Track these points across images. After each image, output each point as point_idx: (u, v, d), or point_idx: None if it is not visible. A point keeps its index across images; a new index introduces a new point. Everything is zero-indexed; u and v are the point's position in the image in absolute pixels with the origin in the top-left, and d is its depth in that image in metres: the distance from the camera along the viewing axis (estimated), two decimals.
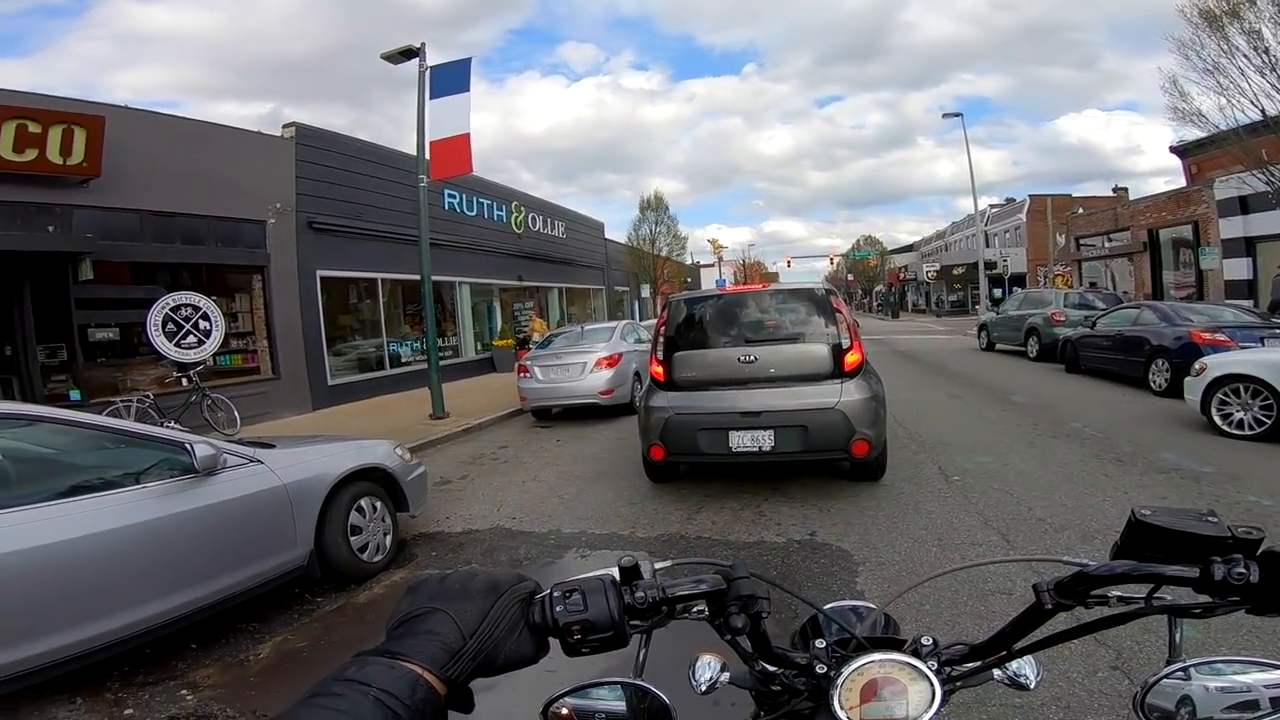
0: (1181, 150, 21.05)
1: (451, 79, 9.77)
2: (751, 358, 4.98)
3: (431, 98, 9.76)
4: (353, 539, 3.99)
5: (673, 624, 0.72)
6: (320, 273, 12.41)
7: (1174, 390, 8.85)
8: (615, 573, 0.69)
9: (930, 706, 0.71)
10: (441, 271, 13.74)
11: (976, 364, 14.03)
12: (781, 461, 5.01)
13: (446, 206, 16.25)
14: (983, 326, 17.56)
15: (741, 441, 4.83)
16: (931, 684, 0.72)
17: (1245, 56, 11.75)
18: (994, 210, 43.51)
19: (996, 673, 0.82)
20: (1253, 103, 11.89)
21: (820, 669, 0.76)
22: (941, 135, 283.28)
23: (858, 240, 70.38)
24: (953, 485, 5.21)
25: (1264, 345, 8.14)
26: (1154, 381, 9.35)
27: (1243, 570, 0.67)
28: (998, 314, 17.00)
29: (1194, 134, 14.22)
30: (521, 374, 9.85)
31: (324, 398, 12.16)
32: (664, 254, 31.40)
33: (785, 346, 5.10)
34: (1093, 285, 23.24)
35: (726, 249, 54.65)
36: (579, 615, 0.64)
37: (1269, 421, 6.14)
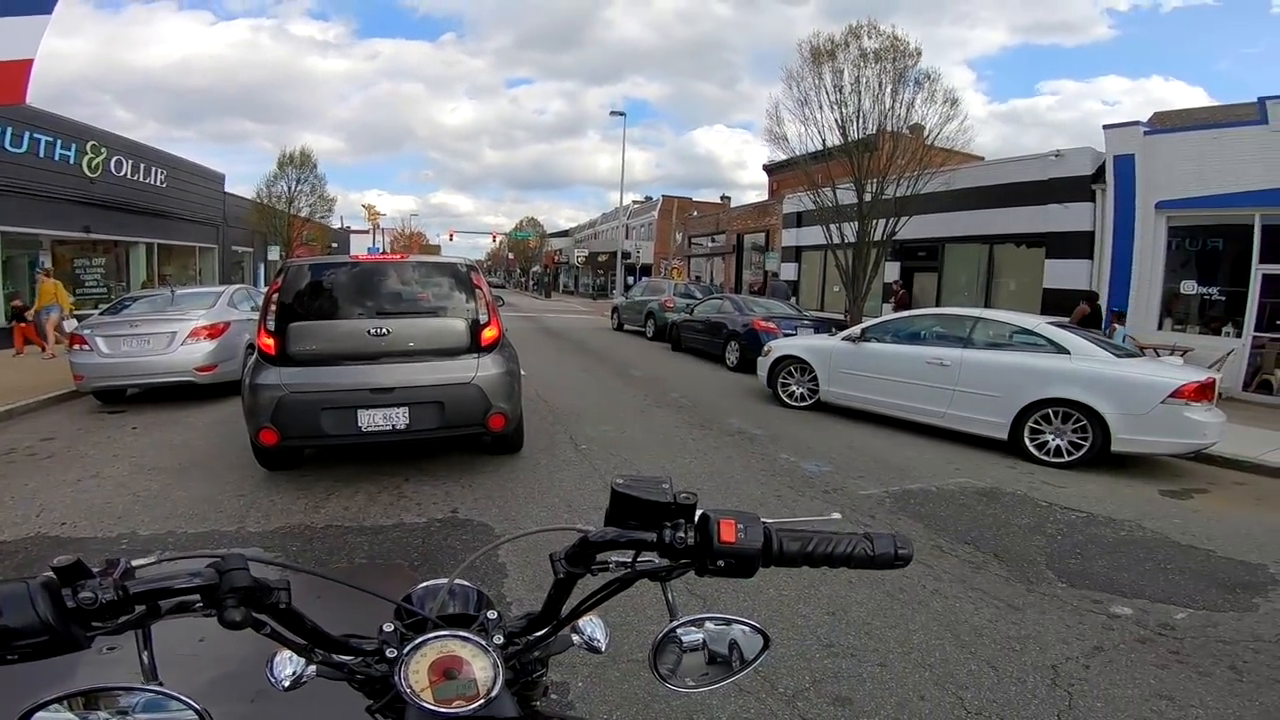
0: (770, 169, 26.55)
1: None
2: (384, 330, 4.71)
3: None
4: None
5: None
6: None
7: (742, 367, 11.29)
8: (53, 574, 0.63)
9: (495, 681, 0.73)
10: None
11: (608, 342, 15.76)
12: (420, 439, 4.88)
13: None
14: (615, 309, 19.84)
15: (373, 420, 4.54)
16: (492, 658, 0.73)
17: (827, 92, 14.26)
18: (636, 206, 48.44)
19: (575, 639, 0.87)
20: (819, 133, 14.63)
21: (391, 653, 0.75)
22: (607, 131, 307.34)
23: (521, 221, 72.29)
24: (581, 453, 5.75)
25: (797, 334, 10.80)
26: (729, 359, 11.78)
27: (683, 535, 0.76)
28: (627, 299, 19.33)
29: (780, 156, 16.56)
30: (76, 346, 7.54)
31: None
32: (304, 215, 27.62)
33: (422, 320, 4.93)
34: (698, 279, 27.95)
35: (384, 216, 50.80)
36: None
37: (815, 395, 8.13)
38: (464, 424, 4.76)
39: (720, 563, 0.75)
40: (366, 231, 46.55)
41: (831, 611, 3.12)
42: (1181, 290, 11.28)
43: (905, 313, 9.01)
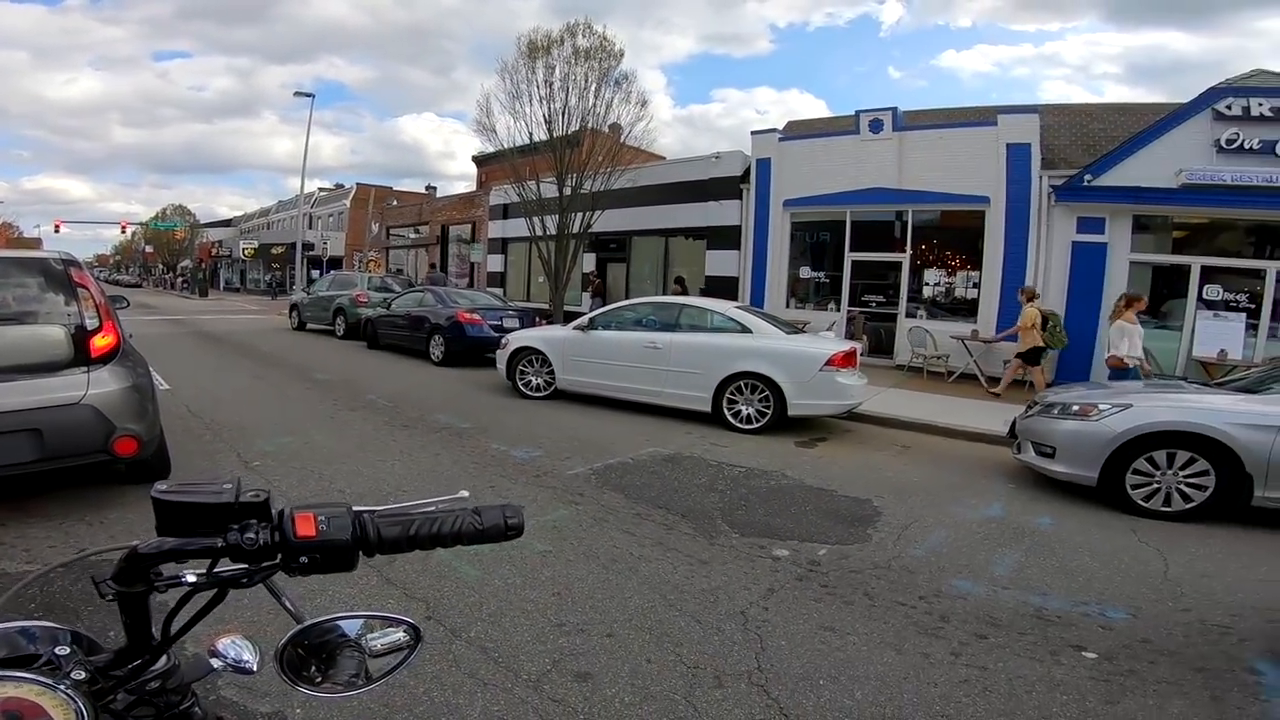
0: (479, 160, 25.81)
1: None
2: None
3: None
4: None
5: None
6: None
7: (448, 361, 10.88)
8: None
9: None
10: None
11: (286, 343, 13.78)
12: (13, 476, 3.63)
13: None
14: (294, 306, 17.45)
15: None
16: (66, 696, 0.65)
17: (538, 87, 14.52)
18: (322, 194, 43.65)
19: (215, 662, 0.80)
20: (528, 127, 14.90)
21: None
22: (288, 113, 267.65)
23: (164, 209, 59.01)
24: (253, 471, 4.88)
25: (503, 324, 10.76)
26: (433, 354, 11.24)
27: (253, 535, 0.73)
28: (309, 294, 17.17)
29: (489, 148, 16.92)
30: None
31: None
32: None
33: (2, 329, 3.69)
34: (399, 271, 26.21)
35: None
36: None
37: (553, 385, 8.12)
38: (77, 453, 3.69)
39: (304, 559, 0.74)
40: None
41: (556, 592, 3.15)
42: (801, 275, 14.01)
43: (626, 301, 9.50)
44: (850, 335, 12.63)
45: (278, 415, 6.79)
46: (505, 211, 20.29)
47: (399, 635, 0.80)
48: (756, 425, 6.88)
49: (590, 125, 14.64)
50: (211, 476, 0.73)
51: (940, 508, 4.80)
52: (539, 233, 14.79)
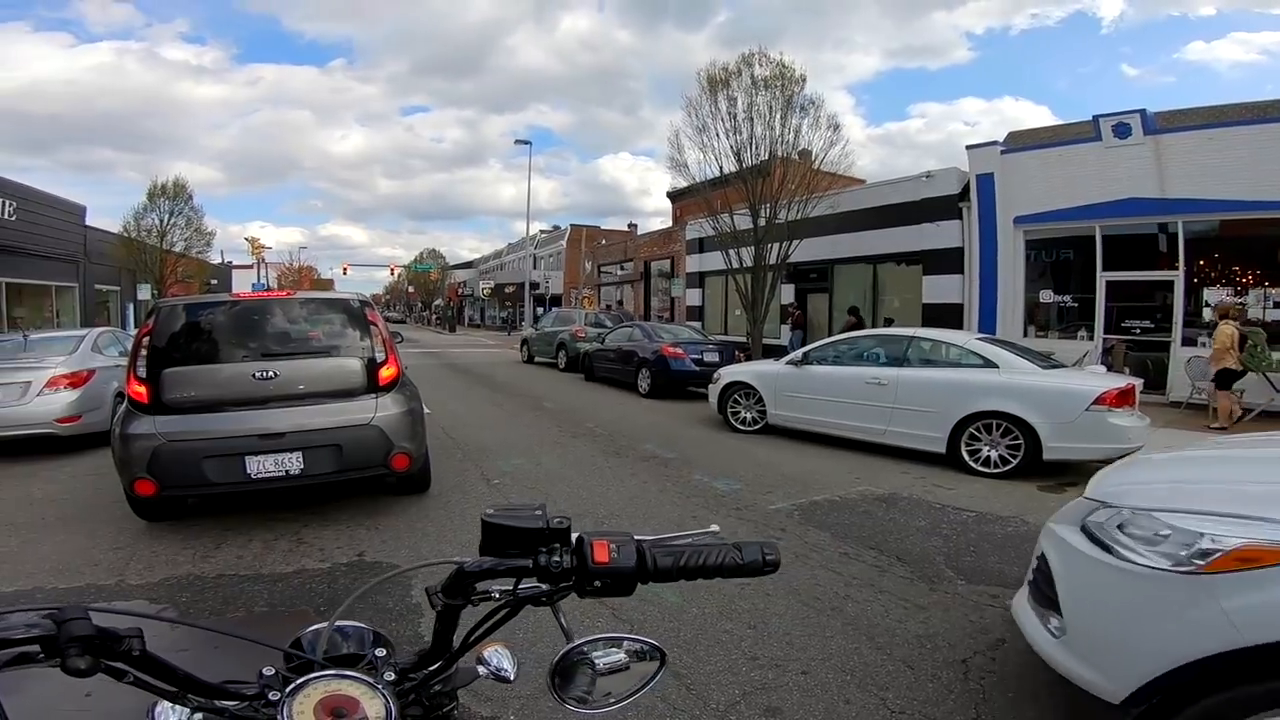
0: (673, 195, 27.14)
1: None
2: (271, 373, 4.41)
3: None
4: None
5: None
6: None
7: (653, 393, 11.41)
8: None
9: (389, 718, 0.73)
10: None
11: (518, 375, 15.49)
12: (318, 484, 4.59)
13: None
14: (524, 341, 19.57)
15: (263, 466, 4.24)
16: (382, 696, 0.73)
17: (722, 119, 14.74)
18: (543, 235, 48.18)
19: (481, 670, 0.86)
20: (717, 159, 15.11)
21: (273, 695, 0.75)
22: (509, 160, 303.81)
23: (421, 253, 70.29)
24: (494, 488, 5.58)
25: (703, 358, 11.03)
26: (640, 386, 11.85)
27: (559, 558, 0.79)
28: (536, 330, 19.13)
29: (681, 183, 17.03)
30: None
31: None
32: (178, 249, 25.65)
33: (314, 361, 4.67)
34: (609, 307, 28.07)
35: (270, 249, 47.86)
36: None
37: (764, 419, 8.16)
38: (365, 466, 4.53)
39: (597, 583, 0.79)
40: (250, 266, 43.87)
41: (752, 625, 3.16)
42: (1040, 299, 12.46)
43: (845, 334, 9.20)
44: (1108, 367, 10.98)
45: (513, 439, 7.67)
46: (701, 245, 20.71)
47: (634, 656, 0.82)
48: (1003, 469, 6.16)
49: (780, 153, 14.52)
50: (525, 504, 0.83)
51: None
52: (735, 265, 14.93)
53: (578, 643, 0.78)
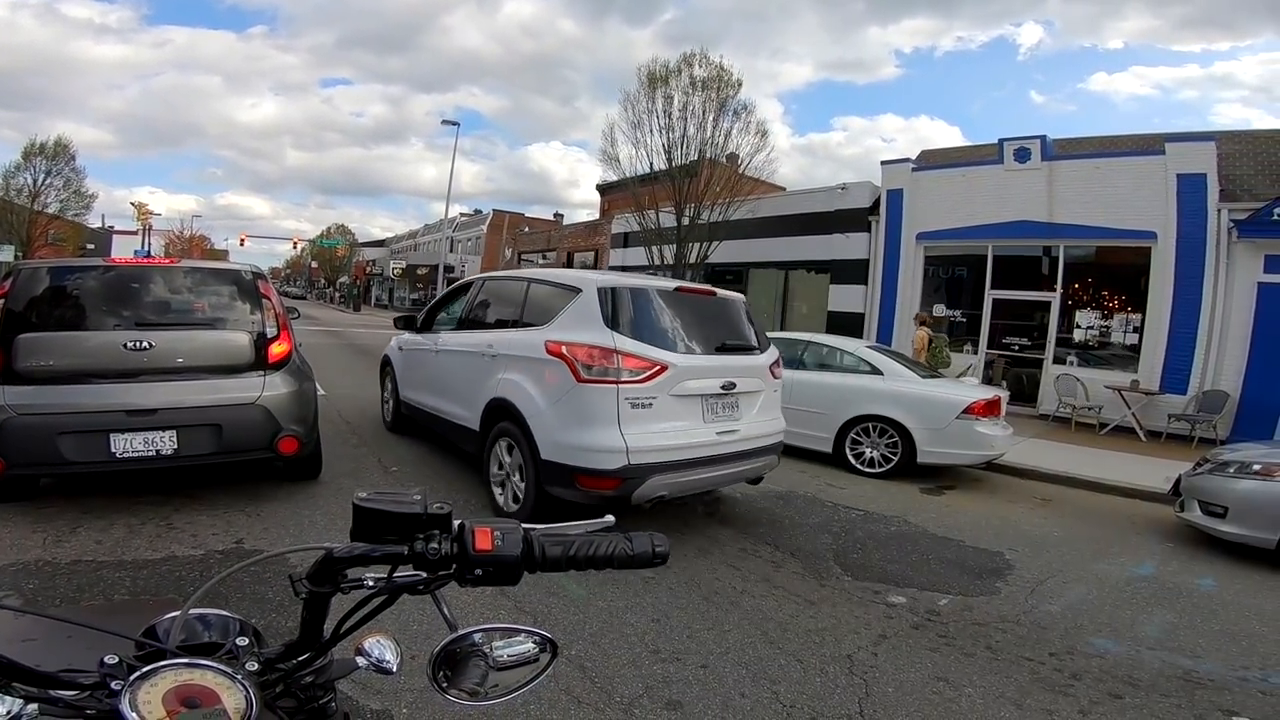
0: (603, 189, 26.99)
1: None
2: (145, 344, 4.02)
3: None
4: None
5: None
6: None
7: None
8: None
9: (249, 709, 0.69)
10: None
11: None
12: (193, 467, 4.23)
13: None
14: None
15: (131, 445, 3.85)
16: (241, 686, 0.69)
17: (658, 117, 14.97)
18: (463, 219, 46.78)
19: (360, 660, 0.83)
20: (648, 156, 15.31)
21: (116, 685, 0.70)
22: (433, 140, 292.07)
23: (329, 228, 66.50)
24: (391, 476, 5.35)
25: None
26: None
27: (436, 545, 0.76)
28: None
29: (612, 176, 17.25)
30: None
31: None
32: (52, 211, 23.24)
33: (195, 332, 4.29)
34: None
35: (158, 216, 43.89)
36: None
37: None
38: (248, 448, 4.22)
39: (478, 571, 0.77)
40: (135, 233, 40.26)
41: (655, 618, 3.18)
42: (934, 313, 13.28)
43: None
44: (989, 380, 11.80)
45: (414, 425, 7.35)
46: (625, 240, 20.88)
47: (527, 647, 0.80)
48: (881, 470, 6.58)
49: (709, 155, 14.80)
50: (401, 490, 0.78)
51: (1082, 564, 4.43)
52: (656, 262, 15.08)
53: (461, 632, 0.76)
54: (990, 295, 12.29)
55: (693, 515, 4.87)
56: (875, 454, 6.67)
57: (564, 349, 4.02)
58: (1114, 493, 6.55)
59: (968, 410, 6.32)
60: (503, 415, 4.45)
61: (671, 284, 4.59)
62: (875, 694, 2.66)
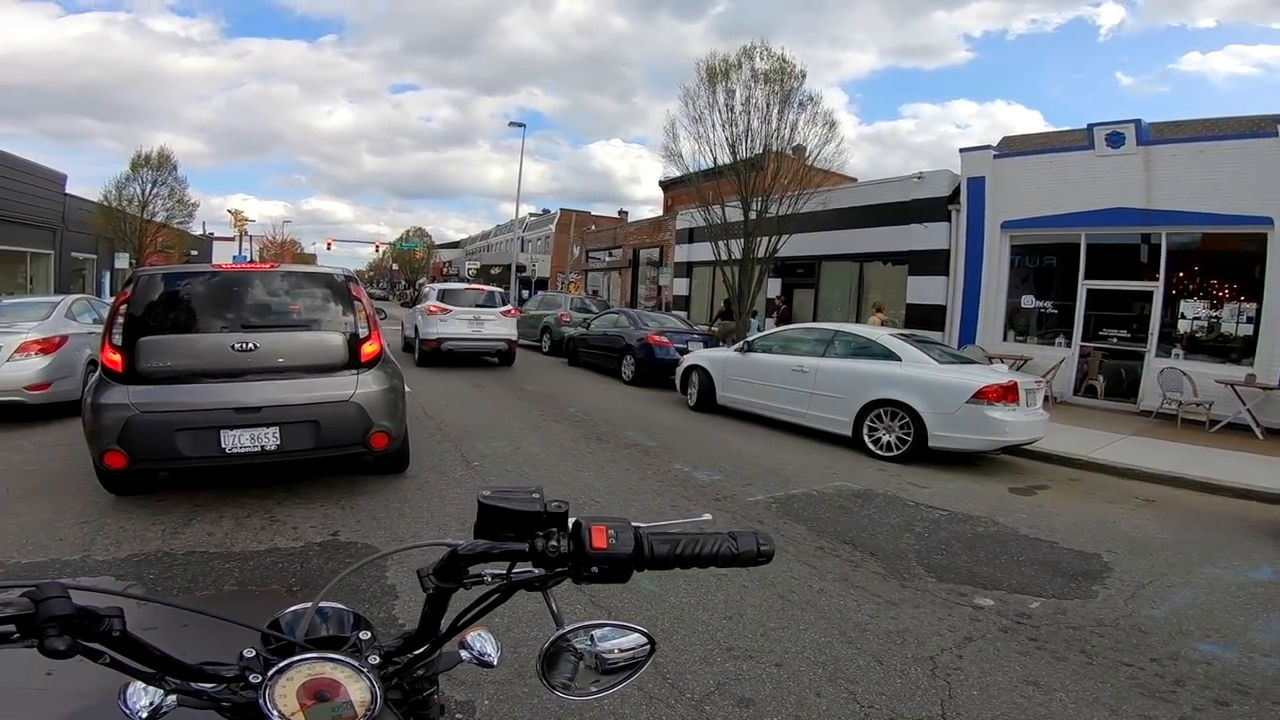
0: (666, 185, 27.00)
1: None
2: (250, 345, 4.34)
3: None
4: None
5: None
6: None
7: (638, 380, 11.40)
8: None
9: (374, 702, 0.71)
10: None
11: None
12: (293, 461, 4.53)
13: None
14: None
15: (238, 441, 4.16)
16: (368, 679, 0.72)
17: (719, 111, 14.62)
18: (532, 219, 47.53)
19: (464, 654, 0.86)
20: (711, 151, 14.96)
21: (255, 678, 0.73)
22: (499, 141, 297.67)
23: (407, 231, 69.42)
24: (473, 470, 5.56)
25: (688, 347, 11.09)
26: (624, 374, 11.84)
27: (555, 543, 0.77)
28: (522, 313, 18.99)
29: (674, 172, 17.38)
30: None
31: None
32: (160, 220, 25.19)
33: (295, 334, 4.59)
34: (595, 293, 28.00)
35: (253, 222, 47.16)
36: None
37: (713, 399, 8.82)
38: (343, 444, 4.48)
39: (594, 569, 0.77)
40: (232, 239, 43.36)
41: (729, 616, 3.19)
42: (1022, 304, 12.59)
43: (782, 327, 9.88)
44: (1083, 374, 11.11)
45: (495, 421, 7.63)
46: (690, 235, 20.64)
47: (631, 641, 0.80)
48: (896, 453, 6.64)
49: (775, 148, 14.49)
50: (520, 486, 0.80)
51: (1189, 567, 4.14)
52: (723, 257, 14.93)
53: (570, 627, 0.77)
54: (1084, 285, 11.53)
55: (766, 514, 4.84)
56: (891, 438, 6.78)
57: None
58: (1226, 494, 6.05)
59: (979, 395, 6.27)
60: None
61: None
62: (959, 696, 2.58)
